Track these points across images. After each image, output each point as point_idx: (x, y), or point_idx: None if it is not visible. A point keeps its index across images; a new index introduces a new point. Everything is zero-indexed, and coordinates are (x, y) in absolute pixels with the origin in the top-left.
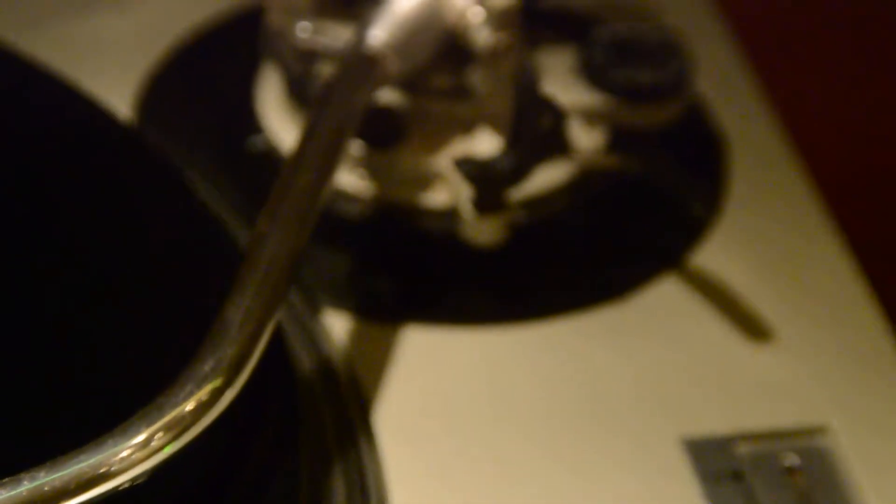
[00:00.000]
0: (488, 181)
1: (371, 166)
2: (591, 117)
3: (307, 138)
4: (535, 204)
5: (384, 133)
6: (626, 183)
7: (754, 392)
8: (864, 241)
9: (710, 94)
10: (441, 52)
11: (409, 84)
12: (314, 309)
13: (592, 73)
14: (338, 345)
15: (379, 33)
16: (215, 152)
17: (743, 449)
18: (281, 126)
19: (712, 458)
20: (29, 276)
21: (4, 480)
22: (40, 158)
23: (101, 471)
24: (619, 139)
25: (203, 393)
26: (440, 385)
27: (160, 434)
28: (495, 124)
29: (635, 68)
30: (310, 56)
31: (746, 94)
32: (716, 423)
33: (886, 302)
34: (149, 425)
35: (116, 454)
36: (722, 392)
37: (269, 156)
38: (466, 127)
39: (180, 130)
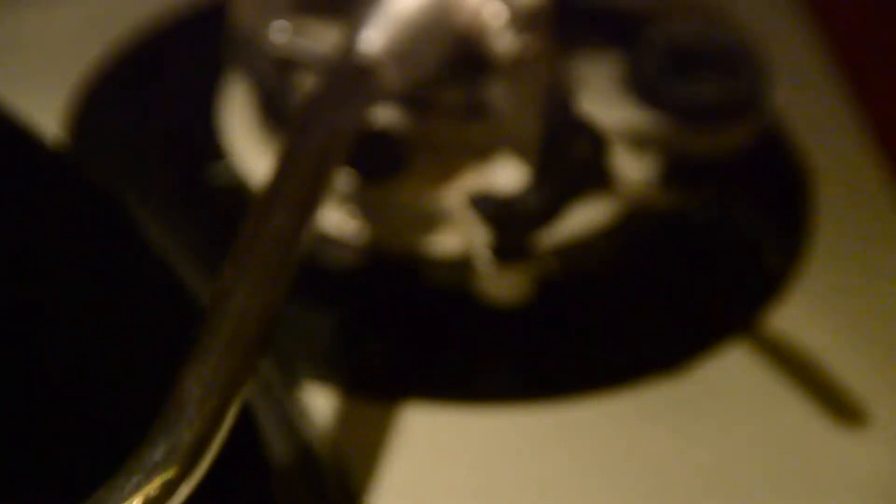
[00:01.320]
0: (510, 223)
1: (364, 203)
2: (640, 142)
3: (284, 167)
4: (569, 252)
5: (380, 161)
6: (685, 226)
7: (842, 486)
8: None
9: (792, 113)
10: (451, 60)
11: (412, 100)
12: (292, 382)
13: (643, 87)
14: (321, 427)
15: (374, 36)
16: (167, 184)
17: None
18: (250, 151)
19: None
20: None
21: None
22: None
23: None
24: (676, 170)
25: (153, 487)
26: (448, 478)
27: None
28: (519, 151)
29: (697, 81)
30: (287, 64)
31: (837, 115)
32: None
33: None
34: None
35: None
36: (803, 486)
37: (236, 189)
38: (483, 154)
39: (123, 155)
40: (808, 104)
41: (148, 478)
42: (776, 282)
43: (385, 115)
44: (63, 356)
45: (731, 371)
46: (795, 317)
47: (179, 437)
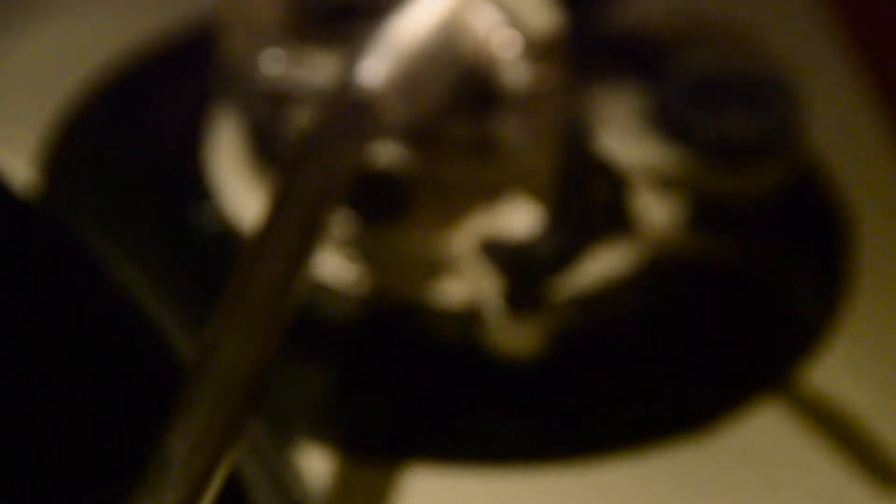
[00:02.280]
0: (524, 270)
1: (364, 249)
2: (664, 182)
3: (276, 209)
4: (588, 301)
5: (382, 203)
6: (713, 273)
7: None
8: None
9: (830, 150)
10: (459, 93)
11: (416, 137)
12: (285, 442)
13: (667, 122)
14: (317, 491)
15: (376, 67)
16: (149, 227)
17: None
18: (239, 192)
19: None
20: None
21: None
22: None
23: None
24: (704, 212)
25: None
26: None
27: None
28: (533, 192)
29: (726, 115)
30: (281, 97)
31: (879, 152)
32: None
33: None
34: None
35: None
36: None
37: (224, 233)
38: (493, 196)
39: (100, 197)
40: (847, 139)
41: None
42: (813, 334)
43: (387, 153)
44: (36, 414)
45: (764, 431)
46: (834, 372)
47: (162, 501)
